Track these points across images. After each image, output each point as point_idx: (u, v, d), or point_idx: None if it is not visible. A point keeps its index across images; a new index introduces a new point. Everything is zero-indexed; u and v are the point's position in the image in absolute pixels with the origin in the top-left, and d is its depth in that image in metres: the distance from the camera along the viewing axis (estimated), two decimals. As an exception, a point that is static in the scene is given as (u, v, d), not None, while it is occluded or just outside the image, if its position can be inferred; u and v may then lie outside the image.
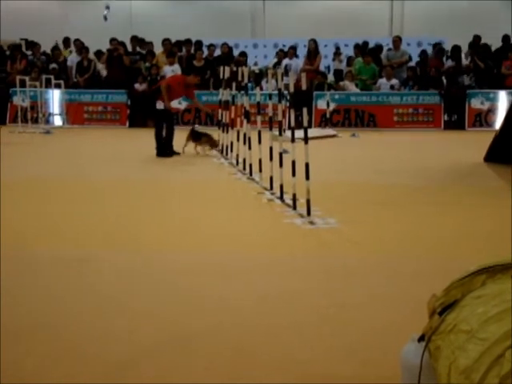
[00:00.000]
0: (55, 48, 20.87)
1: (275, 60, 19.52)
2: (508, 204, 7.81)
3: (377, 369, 3.41)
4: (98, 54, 19.93)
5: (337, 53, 20.33)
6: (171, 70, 17.77)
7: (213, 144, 12.72)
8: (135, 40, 19.86)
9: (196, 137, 12.76)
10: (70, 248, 5.91)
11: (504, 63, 17.79)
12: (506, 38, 18.41)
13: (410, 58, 19.42)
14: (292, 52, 19.34)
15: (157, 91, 12.61)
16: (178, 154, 12.49)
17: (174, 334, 3.89)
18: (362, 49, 19.67)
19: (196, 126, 13.99)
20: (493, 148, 10.98)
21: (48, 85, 18.54)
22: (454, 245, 6.04)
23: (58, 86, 18.66)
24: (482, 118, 17.47)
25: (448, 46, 19.62)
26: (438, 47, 19.37)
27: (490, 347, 2.27)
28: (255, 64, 19.93)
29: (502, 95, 17.24)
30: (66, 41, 21.18)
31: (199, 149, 12.71)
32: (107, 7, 25.83)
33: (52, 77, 18.54)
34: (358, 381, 3.30)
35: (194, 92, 13.47)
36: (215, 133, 13.36)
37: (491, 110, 17.37)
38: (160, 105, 12.37)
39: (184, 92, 13.01)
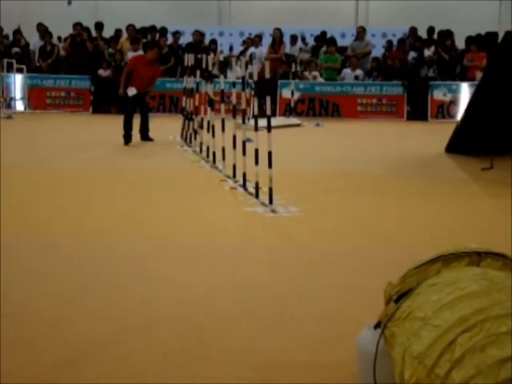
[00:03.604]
0: (17, 32, 20.54)
1: (243, 48, 19.49)
2: (466, 193, 7.96)
3: (335, 356, 3.46)
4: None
5: (303, 42, 20.40)
6: (135, 57, 17.60)
7: None
8: (99, 26, 19.62)
9: None
10: (30, 236, 5.86)
11: (466, 55, 17.98)
12: (469, 38, 18.52)
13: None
14: (257, 40, 19.30)
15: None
16: (152, 140, 12.43)
17: (134, 320, 3.90)
18: (321, 39, 19.82)
19: None
20: (454, 139, 11.11)
21: (10, 69, 18.26)
22: (413, 234, 6.13)
23: (20, 71, 18.39)
24: (445, 110, 17.64)
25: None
26: (400, 38, 19.48)
27: (443, 333, 2.33)
28: (221, 52, 19.84)
29: (464, 87, 17.42)
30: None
31: None
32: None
33: (14, 61, 18.27)
34: (316, 368, 3.34)
35: (160, 72, 13.33)
36: (178, 120, 13.32)
37: (453, 102, 17.55)
38: (132, 91, 12.02)
39: (151, 71, 12.32)
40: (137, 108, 12.30)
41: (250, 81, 12.28)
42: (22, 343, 3.55)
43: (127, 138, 11.98)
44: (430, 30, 18.70)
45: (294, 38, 19.89)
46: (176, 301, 4.25)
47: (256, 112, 7.92)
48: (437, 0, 24.71)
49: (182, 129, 12.83)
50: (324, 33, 20.42)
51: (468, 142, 10.48)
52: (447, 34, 18.50)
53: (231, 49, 21.04)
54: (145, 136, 12.45)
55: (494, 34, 17.77)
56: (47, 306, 4.13)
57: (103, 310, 4.06)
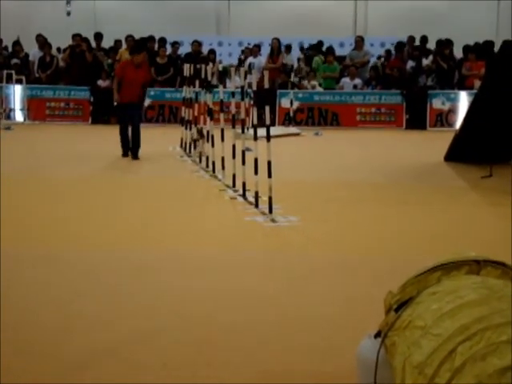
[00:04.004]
0: (16, 43, 20.58)
1: (242, 57, 19.50)
2: (465, 201, 7.96)
3: (335, 365, 3.45)
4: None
5: (302, 52, 20.42)
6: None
7: None
8: (98, 37, 19.66)
9: None
10: (30, 246, 5.86)
11: (464, 64, 18.01)
12: (467, 47, 18.56)
13: (379, 57, 19.58)
14: (256, 50, 19.34)
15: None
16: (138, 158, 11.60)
17: (135, 330, 3.89)
18: (316, 48, 19.87)
19: None
20: (453, 147, 11.12)
21: (9, 80, 18.29)
22: (414, 243, 6.12)
23: (19, 82, 18.42)
24: (443, 118, 17.66)
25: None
26: (398, 47, 19.47)
27: (444, 342, 2.32)
28: (220, 62, 19.88)
29: (463, 96, 17.44)
30: None
31: None
32: (68, 2, 25.58)
33: (13, 72, 18.31)
34: (316, 377, 3.33)
35: (149, 75, 12.96)
36: (178, 130, 13.32)
37: (452, 110, 17.56)
38: (116, 100, 11.62)
39: (143, 73, 11.87)
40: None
41: (249, 90, 12.31)
42: (22, 355, 3.54)
43: (125, 150, 11.75)
44: (423, 39, 18.78)
45: (288, 48, 19.88)
46: (176, 310, 4.25)
47: (255, 121, 7.92)
48: (435, 9, 24.80)
49: (182, 139, 12.83)
50: (320, 42, 20.44)
51: (467, 150, 10.49)
52: (446, 43, 18.53)
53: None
54: (136, 154, 11.59)
55: (491, 43, 17.80)
56: (47, 315, 4.13)
57: (103, 320, 4.05)
